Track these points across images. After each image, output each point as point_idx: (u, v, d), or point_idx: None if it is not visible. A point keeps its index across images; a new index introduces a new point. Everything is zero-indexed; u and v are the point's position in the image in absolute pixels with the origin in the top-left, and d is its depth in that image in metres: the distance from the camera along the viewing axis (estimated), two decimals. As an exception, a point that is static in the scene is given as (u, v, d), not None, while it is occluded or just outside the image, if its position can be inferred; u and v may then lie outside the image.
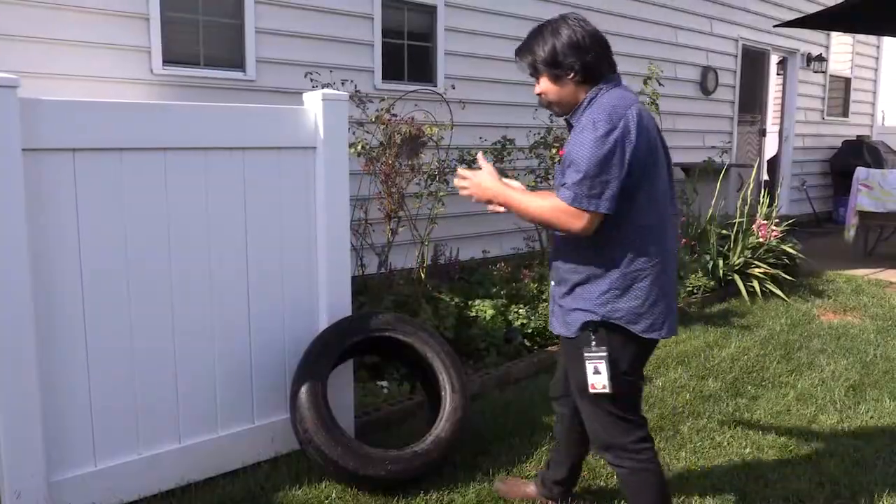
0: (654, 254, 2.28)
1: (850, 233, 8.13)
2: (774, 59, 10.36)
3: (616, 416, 2.37)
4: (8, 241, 2.47)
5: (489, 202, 2.42)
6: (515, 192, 2.37)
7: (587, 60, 2.30)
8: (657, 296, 2.29)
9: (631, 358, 2.34)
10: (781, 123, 10.80)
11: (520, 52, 2.43)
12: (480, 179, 2.42)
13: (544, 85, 2.39)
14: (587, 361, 2.31)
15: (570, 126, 2.40)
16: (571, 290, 2.35)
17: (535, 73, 2.40)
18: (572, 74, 2.32)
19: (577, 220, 2.20)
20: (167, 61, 4.59)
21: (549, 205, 2.24)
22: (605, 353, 2.28)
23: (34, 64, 4.11)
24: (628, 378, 2.35)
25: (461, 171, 2.47)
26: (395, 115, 4.67)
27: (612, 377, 2.29)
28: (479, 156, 2.62)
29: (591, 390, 2.32)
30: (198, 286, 2.96)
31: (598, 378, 2.29)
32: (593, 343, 2.29)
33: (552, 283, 2.49)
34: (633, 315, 2.28)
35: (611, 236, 2.25)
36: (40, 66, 4.14)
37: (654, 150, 2.28)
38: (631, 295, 2.27)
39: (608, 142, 2.16)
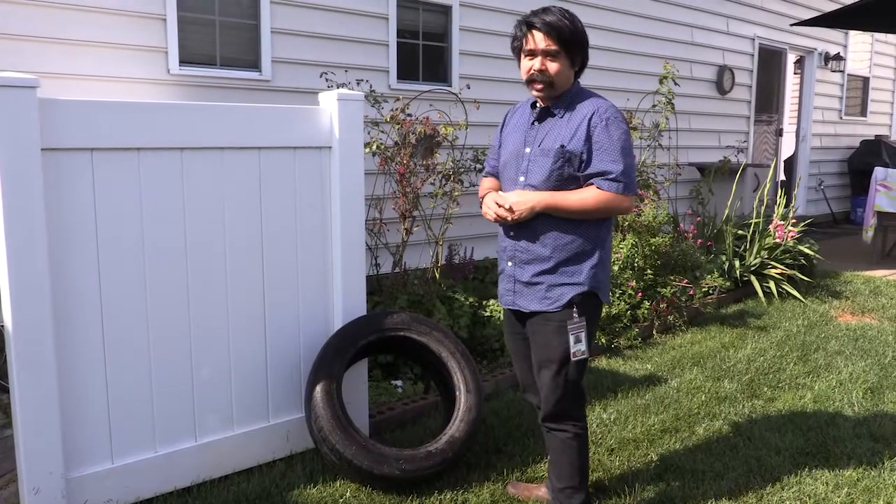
0: (609, 232, 2.59)
1: (869, 233, 8.06)
2: (792, 59, 10.27)
3: (578, 387, 2.60)
4: (27, 241, 2.49)
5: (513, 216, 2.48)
6: (557, 194, 2.45)
7: (587, 54, 2.54)
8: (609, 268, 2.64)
9: (596, 321, 2.65)
10: (798, 123, 10.71)
11: (556, 27, 2.40)
12: (514, 197, 2.49)
13: (558, 65, 2.43)
14: (570, 332, 2.49)
15: (546, 112, 2.51)
16: (556, 267, 2.50)
17: (557, 52, 2.41)
18: (579, 65, 2.52)
19: (627, 204, 2.47)
20: (183, 61, 4.62)
21: (606, 196, 2.43)
22: (584, 322, 2.50)
23: (52, 64, 4.15)
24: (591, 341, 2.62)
25: (495, 198, 2.53)
26: (409, 115, 4.68)
27: (589, 343, 2.54)
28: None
29: (574, 358, 2.51)
30: (214, 285, 2.98)
31: (579, 346, 2.51)
32: (575, 314, 2.49)
33: (510, 264, 2.59)
34: (604, 284, 2.58)
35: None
36: (58, 66, 4.18)
37: None
38: (606, 267, 2.58)
39: (628, 133, 2.46)
